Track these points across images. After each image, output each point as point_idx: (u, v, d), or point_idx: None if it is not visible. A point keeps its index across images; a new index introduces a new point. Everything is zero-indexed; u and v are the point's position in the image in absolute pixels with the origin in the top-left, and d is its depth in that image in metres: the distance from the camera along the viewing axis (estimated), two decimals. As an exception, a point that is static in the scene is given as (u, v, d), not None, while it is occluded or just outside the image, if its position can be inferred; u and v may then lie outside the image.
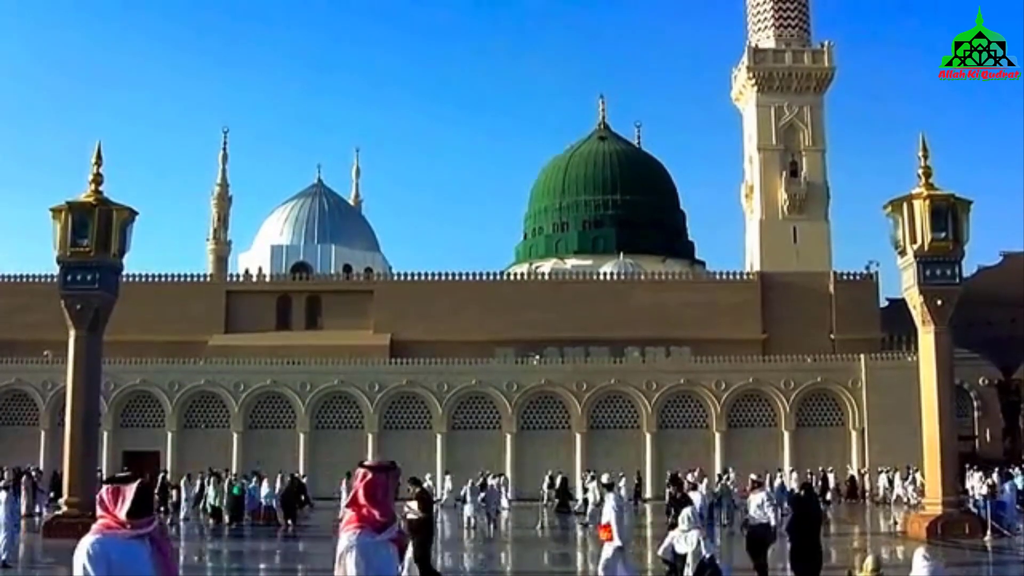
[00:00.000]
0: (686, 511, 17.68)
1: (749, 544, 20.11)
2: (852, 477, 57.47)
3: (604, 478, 26.36)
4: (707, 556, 16.38)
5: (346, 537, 6.48)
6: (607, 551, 17.94)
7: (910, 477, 51.48)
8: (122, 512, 5.84)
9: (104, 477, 48.16)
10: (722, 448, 59.67)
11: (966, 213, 32.41)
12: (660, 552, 18.10)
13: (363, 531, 6.44)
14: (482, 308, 68.21)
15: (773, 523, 20.29)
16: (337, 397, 61.30)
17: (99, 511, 5.95)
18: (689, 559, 16.53)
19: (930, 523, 30.30)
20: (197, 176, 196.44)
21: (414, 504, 19.40)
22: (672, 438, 60.17)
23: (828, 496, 52.47)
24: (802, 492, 21.14)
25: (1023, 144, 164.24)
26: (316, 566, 28.26)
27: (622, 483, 44.73)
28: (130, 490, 5.88)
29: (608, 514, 18.21)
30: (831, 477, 54.95)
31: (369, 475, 6.61)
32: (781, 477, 49.04)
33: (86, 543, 5.80)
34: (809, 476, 46.65)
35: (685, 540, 16.75)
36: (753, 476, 21.87)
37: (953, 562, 23.40)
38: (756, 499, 20.49)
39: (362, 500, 6.53)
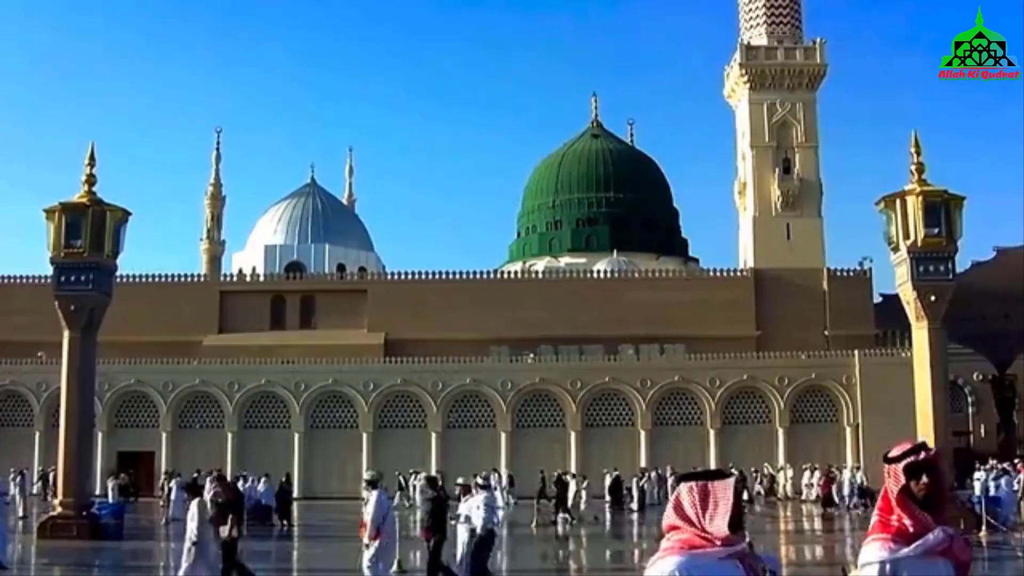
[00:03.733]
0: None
1: (475, 553, 18.58)
2: (771, 476, 57.17)
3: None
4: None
5: (866, 550, 4.77)
6: (367, 549, 17.34)
7: (816, 474, 51.92)
8: (719, 523, 4.37)
9: (664, 474, 45.97)
10: (717, 445, 59.76)
11: (959, 209, 32.46)
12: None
13: (888, 543, 4.66)
14: (476, 307, 68.21)
15: (479, 530, 18.57)
16: (332, 396, 61.27)
17: (674, 519, 4.47)
18: None
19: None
20: (190, 176, 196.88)
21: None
22: (667, 435, 60.22)
23: (744, 496, 52.57)
24: None
25: (1016, 139, 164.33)
26: (315, 566, 28.33)
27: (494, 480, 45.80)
28: (726, 491, 4.44)
29: (368, 512, 17.47)
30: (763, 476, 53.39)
31: (890, 467, 4.80)
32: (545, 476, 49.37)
33: (668, 567, 4.33)
34: (671, 475, 46.76)
35: None
36: (479, 479, 20.55)
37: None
38: (475, 501, 18.97)
39: (892, 502, 4.71)
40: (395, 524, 18.33)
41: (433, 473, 34.26)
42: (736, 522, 4.38)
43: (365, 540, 17.21)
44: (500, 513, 20.68)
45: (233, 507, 19.31)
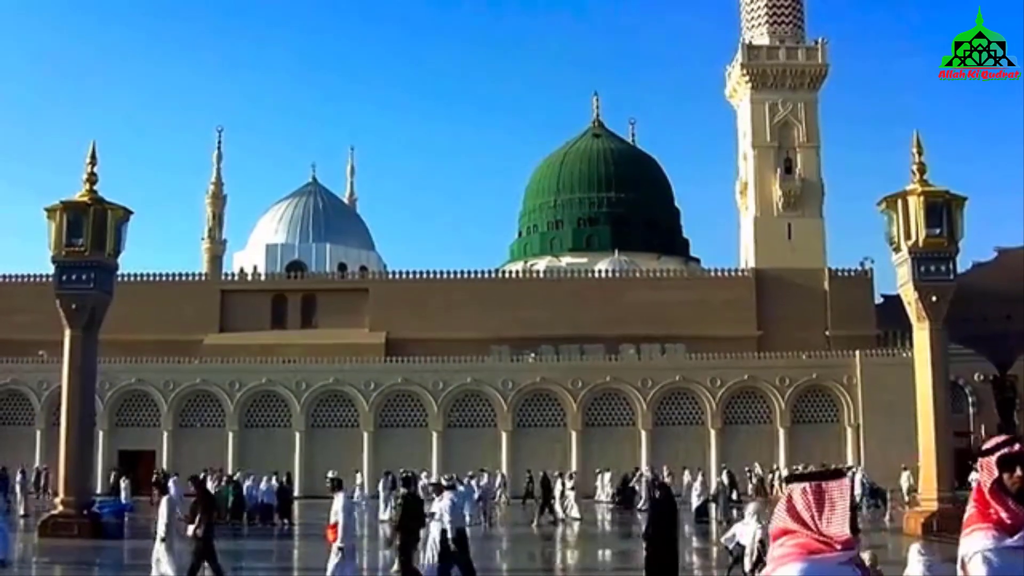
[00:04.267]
0: (752, 505, 18.57)
1: (442, 553, 18.72)
2: (759, 476, 54.98)
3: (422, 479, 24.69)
4: (759, 547, 16.90)
5: (969, 540, 4.60)
6: (334, 553, 17.17)
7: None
8: (839, 525, 4.22)
9: (766, 472, 45.75)
10: (718, 445, 59.75)
11: (960, 209, 32.49)
12: (723, 540, 18.66)
13: (992, 531, 4.49)
14: (477, 306, 68.23)
15: (450, 532, 18.68)
16: (333, 396, 61.32)
17: (787, 522, 4.30)
18: (749, 550, 17.29)
19: (926, 519, 30.36)
20: (192, 175, 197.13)
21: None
22: (668, 435, 60.22)
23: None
24: (658, 494, 18.77)
25: (1018, 140, 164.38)
26: (313, 565, 28.27)
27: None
28: (842, 492, 4.28)
29: (336, 514, 17.30)
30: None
31: (983, 460, 4.65)
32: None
33: (791, 573, 4.17)
34: (667, 476, 46.12)
35: (747, 532, 17.53)
36: (443, 479, 20.51)
37: (949, 558, 23.35)
38: (445, 501, 19.14)
39: (986, 495, 4.58)
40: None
41: (405, 472, 33.95)
42: (854, 524, 4.22)
43: (338, 544, 17.01)
44: (467, 515, 20.56)
45: (201, 505, 19.38)
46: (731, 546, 18.07)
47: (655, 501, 18.53)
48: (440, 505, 19.18)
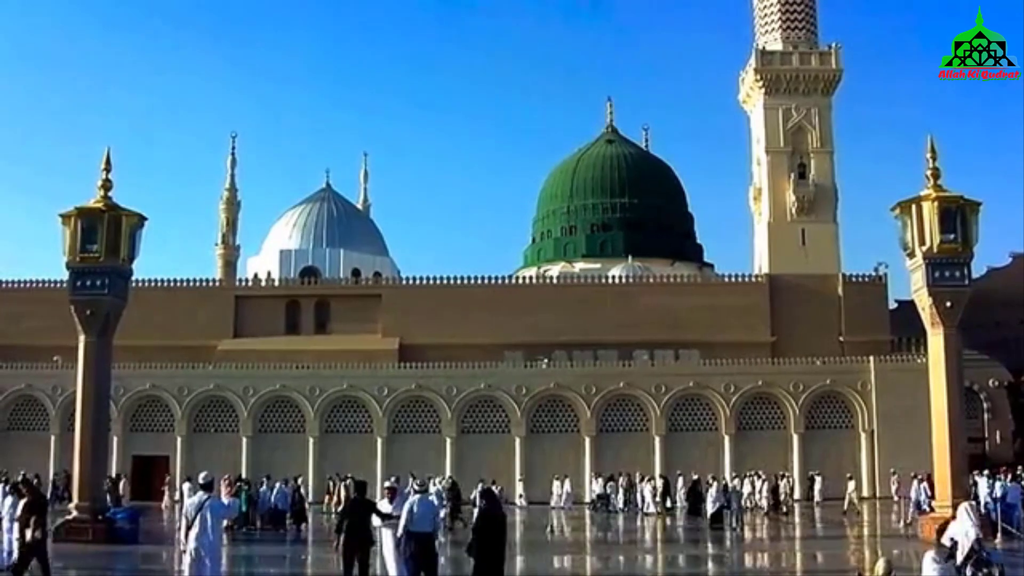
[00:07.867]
0: (964, 505, 19.25)
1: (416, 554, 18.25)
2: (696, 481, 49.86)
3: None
4: (975, 545, 17.96)
5: None
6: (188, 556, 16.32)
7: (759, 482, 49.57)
8: None
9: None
10: (731, 451, 59.68)
11: (975, 214, 32.28)
12: (943, 539, 19.35)
13: None
14: (491, 312, 68.27)
15: (399, 532, 18.39)
16: (346, 401, 61.41)
17: None
18: (961, 546, 18.10)
19: (940, 525, 30.21)
20: (206, 181, 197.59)
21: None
22: (681, 441, 60.19)
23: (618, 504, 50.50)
24: (483, 503, 17.60)
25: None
26: (320, 571, 28.30)
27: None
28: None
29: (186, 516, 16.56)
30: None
31: None
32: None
33: None
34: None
35: (960, 530, 18.45)
36: (415, 483, 19.85)
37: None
38: (410, 503, 18.64)
39: None
40: (216, 533, 16.97)
41: (360, 478, 33.34)
42: None
43: (190, 546, 16.30)
44: (431, 515, 20.29)
45: (37, 508, 19.13)
46: (947, 542, 18.75)
47: (480, 512, 17.23)
48: (397, 509, 18.82)
